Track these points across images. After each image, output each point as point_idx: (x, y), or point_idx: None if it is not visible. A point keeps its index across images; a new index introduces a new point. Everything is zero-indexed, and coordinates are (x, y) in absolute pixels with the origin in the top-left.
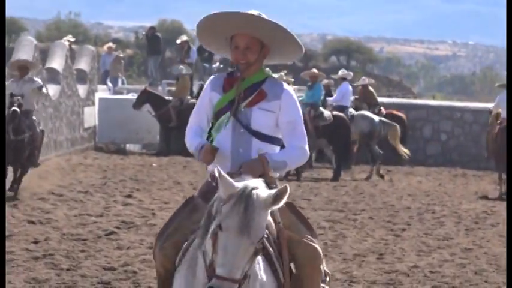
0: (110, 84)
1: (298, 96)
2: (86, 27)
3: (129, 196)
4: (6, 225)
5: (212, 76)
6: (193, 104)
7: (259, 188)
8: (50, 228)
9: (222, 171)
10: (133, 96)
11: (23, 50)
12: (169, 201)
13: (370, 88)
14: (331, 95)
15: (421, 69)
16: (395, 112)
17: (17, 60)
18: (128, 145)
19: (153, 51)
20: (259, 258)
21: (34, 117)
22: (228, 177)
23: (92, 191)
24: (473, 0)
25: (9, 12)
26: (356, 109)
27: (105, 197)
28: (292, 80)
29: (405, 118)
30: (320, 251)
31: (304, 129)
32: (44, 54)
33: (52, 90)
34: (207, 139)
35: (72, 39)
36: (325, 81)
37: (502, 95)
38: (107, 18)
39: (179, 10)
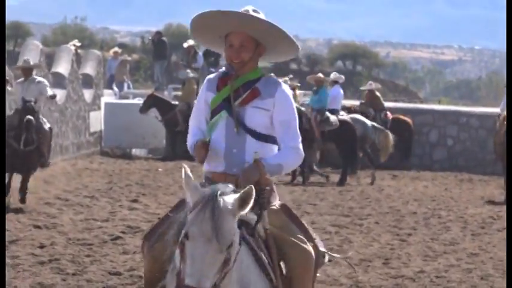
0: (115, 88)
1: (303, 100)
2: (92, 31)
3: (135, 201)
4: (12, 230)
5: (208, 77)
6: None
7: (226, 193)
8: (55, 233)
9: (189, 174)
10: (139, 100)
11: (29, 54)
12: None
13: (377, 93)
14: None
15: (427, 74)
16: (401, 117)
17: (20, 66)
18: (133, 150)
19: (159, 56)
20: (250, 262)
21: (40, 116)
22: (195, 183)
23: (98, 196)
24: (480, 5)
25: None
26: (362, 114)
27: (111, 202)
28: (298, 84)
29: (411, 123)
30: (312, 252)
31: (298, 129)
32: (50, 59)
33: (58, 94)
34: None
35: (78, 44)
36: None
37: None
38: (113, 22)
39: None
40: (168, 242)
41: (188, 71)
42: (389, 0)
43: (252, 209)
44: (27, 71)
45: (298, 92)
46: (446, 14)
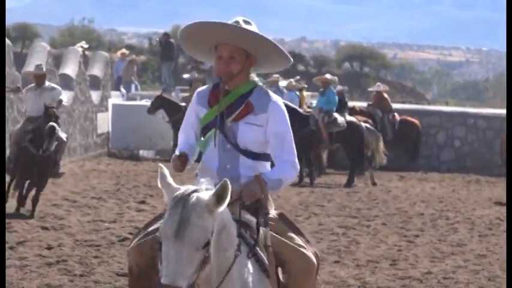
0: (123, 90)
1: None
2: (100, 33)
3: (143, 202)
4: (20, 231)
5: (197, 90)
6: None
7: (200, 190)
8: (63, 234)
9: (166, 173)
10: (146, 102)
11: (37, 56)
12: None
13: (385, 94)
14: (345, 102)
15: (435, 75)
16: (409, 118)
17: (32, 72)
18: (141, 151)
19: (166, 57)
20: (250, 266)
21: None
22: (171, 181)
23: (105, 197)
24: (487, 7)
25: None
26: (370, 115)
27: (119, 203)
28: (306, 86)
29: (419, 124)
30: (313, 258)
31: (293, 142)
32: (57, 61)
33: (65, 96)
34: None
35: (86, 46)
36: (339, 87)
37: None
38: (120, 24)
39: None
40: (156, 238)
41: (194, 72)
42: (396, 2)
43: (251, 213)
44: (40, 78)
45: (305, 93)
46: (453, 16)
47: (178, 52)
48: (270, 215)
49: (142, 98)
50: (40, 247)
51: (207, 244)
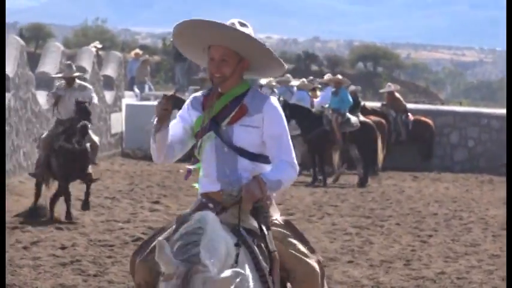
0: (137, 90)
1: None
2: (113, 33)
3: (156, 202)
4: (33, 231)
5: (193, 94)
6: None
7: (201, 271)
8: (77, 234)
9: (164, 243)
10: None
11: (50, 56)
12: None
13: (397, 94)
14: (358, 102)
15: (448, 75)
16: (422, 118)
17: (63, 76)
18: None
19: (180, 57)
20: (250, 275)
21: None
22: (167, 251)
23: (119, 197)
24: (500, 7)
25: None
26: (384, 115)
27: (132, 203)
28: (319, 86)
29: (432, 124)
30: (317, 266)
31: (290, 142)
32: (71, 61)
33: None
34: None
35: (100, 46)
36: (352, 87)
37: None
38: (134, 24)
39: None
40: None
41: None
42: (410, 2)
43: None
44: (70, 79)
45: (318, 93)
46: (467, 16)
47: None
48: (276, 221)
49: (156, 98)
50: (54, 247)
51: None
